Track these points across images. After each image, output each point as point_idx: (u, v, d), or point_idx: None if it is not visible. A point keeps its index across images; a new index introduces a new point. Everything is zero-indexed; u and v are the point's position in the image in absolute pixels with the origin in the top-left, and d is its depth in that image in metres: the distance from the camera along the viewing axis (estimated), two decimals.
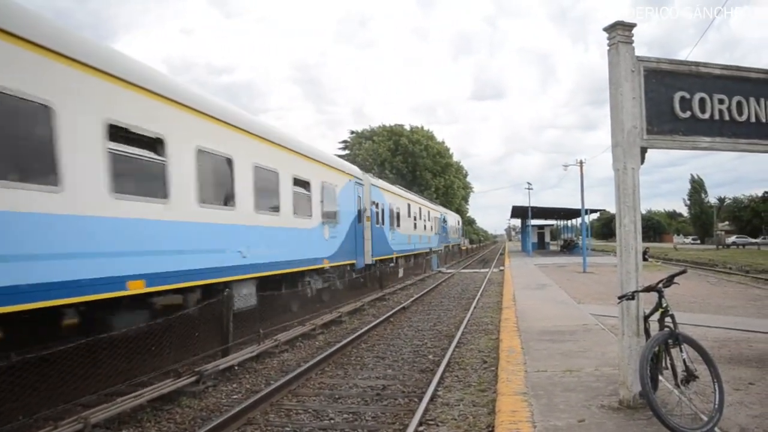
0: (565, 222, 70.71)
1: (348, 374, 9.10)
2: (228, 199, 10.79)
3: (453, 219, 61.63)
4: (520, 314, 12.90)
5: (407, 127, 72.74)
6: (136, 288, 8.07)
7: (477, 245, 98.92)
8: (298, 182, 14.07)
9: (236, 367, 9.19)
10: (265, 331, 11.02)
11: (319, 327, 12.81)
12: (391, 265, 26.20)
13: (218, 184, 10.62)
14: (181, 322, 9.04)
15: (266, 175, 12.33)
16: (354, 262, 19.26)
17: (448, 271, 35.41)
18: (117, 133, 7.82)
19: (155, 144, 8.61)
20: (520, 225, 76.62)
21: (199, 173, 9.70)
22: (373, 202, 22.23)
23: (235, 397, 7.94)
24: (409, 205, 31.18)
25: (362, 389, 8.15)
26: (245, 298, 11.34)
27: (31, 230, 6.52)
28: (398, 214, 27.76)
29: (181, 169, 9.25)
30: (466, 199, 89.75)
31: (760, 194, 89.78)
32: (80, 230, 7.19)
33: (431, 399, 7.31)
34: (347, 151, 68.08)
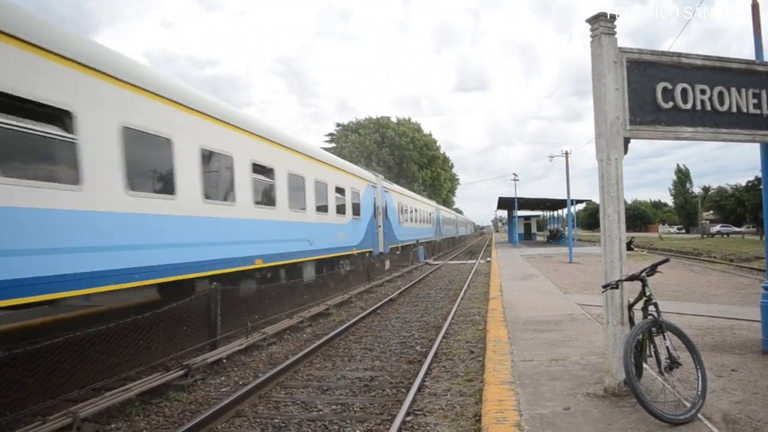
0: (552, 213, 71.08)
1: (336, 366, 9.13)
2: (301, 205, 15.01)
3: (448, 213, 66.14)
4: (506, 305, 12.98)
5: (393, 120, 72.67)
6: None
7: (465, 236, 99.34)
8: (337, 190, 18.44)
9: (224, 361, 9.20)
10: (253, 324, 11.03)
11: (306, 319, 12.83)
12: (397, 252, 30.85)
13: (297, 192, 14.72)
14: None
15: (320, 187, 16.61)
16: (372, 250, 23.35)
17: (435, 262, 35.52)
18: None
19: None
20: (506, 216, 76.86)
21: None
22: (384, 201, 26.17)
23: (223, 389, 7.95)
24: (410, 203, 35.38)
25: (350, 381, 8.20)
26: (309, 273, 15.91)
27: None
28: (403, 210, 31.80)
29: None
30: (452, 190, 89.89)
31: (743, 183, 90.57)
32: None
33: (419, 389, 7.37)
34: (333, 144, 67.83)
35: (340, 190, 18.67)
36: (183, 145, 9.47)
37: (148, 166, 8.89)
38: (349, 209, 19.65)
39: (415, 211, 37.20)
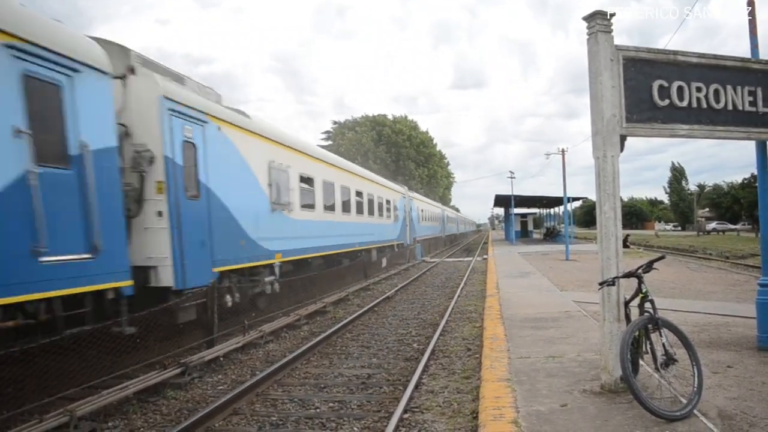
0: (548, 210, 71.06)
1: (333, 364, 9.14)
2: None
3: (430, 206, 50.36)
4: (503, 302, 12.99)
5: (390, 117, 72.75)
6: None
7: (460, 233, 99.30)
8: None
9: (221, 359, 9.19)
10: (250, 322, 11.03)
11: (303, 317, 12.83)
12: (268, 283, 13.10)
13: None
14: None
15: None
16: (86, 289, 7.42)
17: (432, 260, 35.54)
18: None
19: None
20: (503, 214, 76.85)
21: None
22: (188, 142, 9.95)
23: (220, 388, 7.96)
24: (325, 173, 17.89)
25: (347, 378, 8.21)
26: None
27: None
28: (298, 184, 15.27)
29: None
30: (449, 188, 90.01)
31: (739, 181, 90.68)
32: None
33: (416, 387, 7.38)
34: (330, 142, 67.90)
35: None
36: None
37: None
38: None
39: (344, 189, 19.90)
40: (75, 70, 7.38)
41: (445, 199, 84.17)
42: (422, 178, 71.58)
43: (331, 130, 72.65)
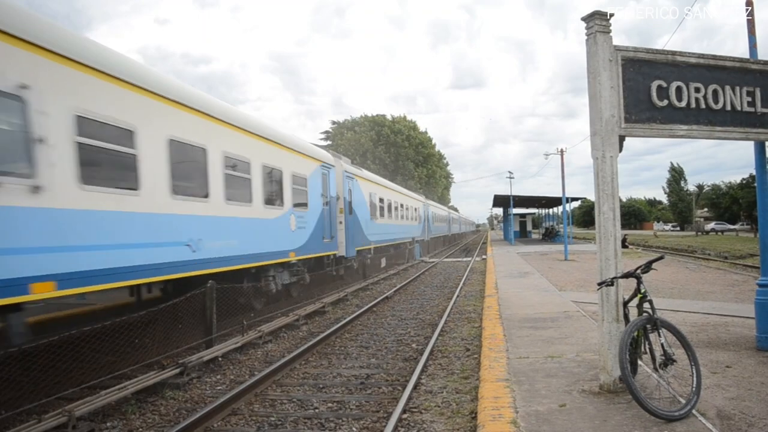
0: (547, 210, 71.08)
1: (332, 364, 9.13)
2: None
3: (440, 210, 59.42)
4: (502, 302, 13.00)
5: (389, 117, 72.72)
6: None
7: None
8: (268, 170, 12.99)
9: (220, 359, 9.19)
10: (249, 322, 11.02)
11: (302, 317, 12.82)
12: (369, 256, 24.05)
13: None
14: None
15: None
16: (334, 252, 18.52)
17: (431, 260, 35.53)
18: None
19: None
20: (502, 214, 76.85)
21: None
22: (349, 189, 20.21)
23: (219, 388, 7.95)
24: (389, 195, 28.80)
25: (346, 378, 8.20)
26: None
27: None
28: (378, 203, 25.73)
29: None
30: (447, 188, 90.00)
31: (738, 181, 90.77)
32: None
33: (415, 387, 7.38)
34: (329, 142, 67.88)
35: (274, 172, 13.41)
36: None
37: None
38: (287, 197, 14.21)
39: (396, 205, 31.05)
40: (328, 168, 17.86)
41: (444, 199, 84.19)
42: (421, 178, 71.57)
43: (330, 130, 72.62)
